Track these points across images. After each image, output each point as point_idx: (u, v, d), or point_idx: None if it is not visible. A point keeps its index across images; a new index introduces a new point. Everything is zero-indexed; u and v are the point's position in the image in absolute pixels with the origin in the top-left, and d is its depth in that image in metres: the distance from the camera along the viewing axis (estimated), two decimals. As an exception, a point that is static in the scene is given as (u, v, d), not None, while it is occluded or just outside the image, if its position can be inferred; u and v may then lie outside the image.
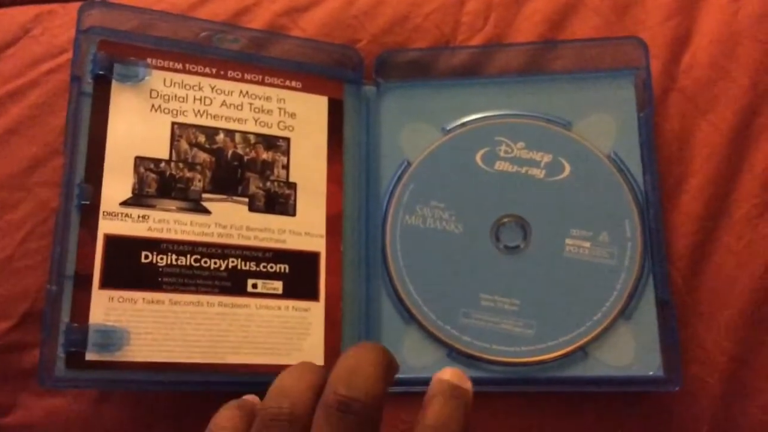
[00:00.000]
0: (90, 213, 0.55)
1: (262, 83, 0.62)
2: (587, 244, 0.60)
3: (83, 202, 0.55)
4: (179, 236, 0.57)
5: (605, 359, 0.58)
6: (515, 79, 0.65)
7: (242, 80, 0.62)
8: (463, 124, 0.64)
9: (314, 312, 0.59)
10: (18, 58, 0.66)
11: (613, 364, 0.58)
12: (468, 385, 0.49)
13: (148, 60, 0.59)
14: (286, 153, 0.62)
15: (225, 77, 0.61)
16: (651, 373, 0.57)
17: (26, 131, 0.63)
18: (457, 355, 0.59)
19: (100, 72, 0.58)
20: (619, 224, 0.60)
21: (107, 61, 0.58)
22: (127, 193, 0.57)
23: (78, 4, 0.63)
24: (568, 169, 0.62)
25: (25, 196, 0.62)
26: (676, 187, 0.63)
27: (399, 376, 0.58)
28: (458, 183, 0.63)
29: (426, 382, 0.58)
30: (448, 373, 0.48)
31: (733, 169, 0.63)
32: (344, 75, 0.65)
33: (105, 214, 0.56)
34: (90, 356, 0.53)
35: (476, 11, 0.69)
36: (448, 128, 0.64)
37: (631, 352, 0.58)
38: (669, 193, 0.63)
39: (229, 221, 0.59)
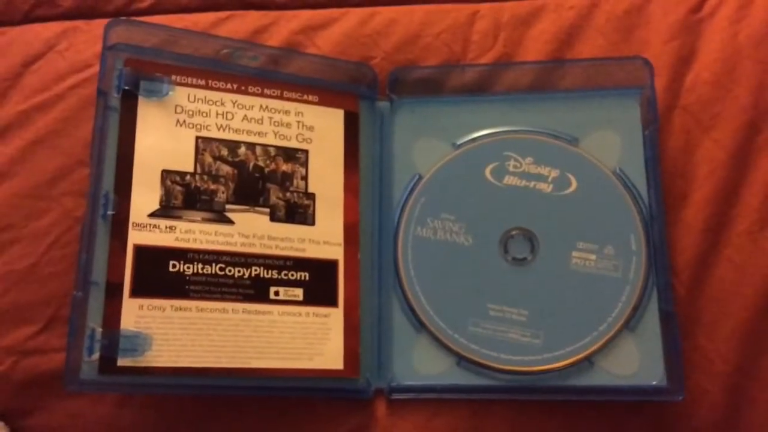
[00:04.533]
0: (120, 224, 0.57)
1: (280, 98, 0.64)
2: (593, 257, 0.62)
3: (110, 212, 0.57)
4: (205, 246, 0.59)
5: (610, 369, 0.60)
6: (524, 96, 0.67)
7: (262, 95, 0.64)
8: (473, 140, 0.65)
9: (334, 317, 0.61)
10: (44, 72, 0.68)
11: (618, 374, 0.60)
12: None
13: (173, 77, 0.61)
14: (305, 164, 0.63)
15: (246, 92, 0.63)
16: (655, 382, 0.59)
17: (51, 143, 0.65)
18: (466, 363, 0.61)
19: (126, 87, 0.59)
20: (624, 238, 0.62)
21: (133, 78, 0.60)
22: (155, 205, 0.58)
23: (102, 21, 0.66)
24: (574, 183, 0.63)
25: (51, 205, 0.64)
26: (680, 201, 0.64)
27: (409, 383, 0.60)
28: (468, 196, 0.64)
29: (435, 389, 0.60)
30: None
31: (735, 185, 0.64)
32: (359, 90, 0.67)
33: (134, 225, 0.57)
34: (122, 362, 0.55)
35: (485, 31, 0.70)
36: (458, 143, 0.65)
37: (635, 362, 0.60)
38: (672, 207, 0.64)
39: (252, 231, 0.60)
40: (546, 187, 0.64)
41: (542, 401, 0.61)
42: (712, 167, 0.65)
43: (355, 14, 0.72)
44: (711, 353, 0.62)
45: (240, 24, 0.71)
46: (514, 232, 0.63)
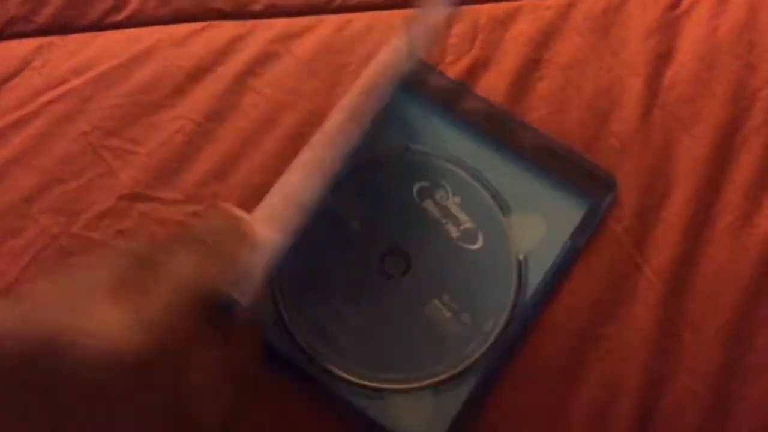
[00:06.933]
0: None
1: None
2: (448, 314, 0.58)
3: None
4: None
5: (392, 414, 0.56)
6: (495, 142, 0.63)
7: None
8: (425, 153, 0.62)
9: None
10: (19, 89, 0.69)
11: (396, 421, 0.56)
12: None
13: None
14: None
15: None
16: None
17: (28, 161, 0.67)
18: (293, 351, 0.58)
19: None
20: (483, 317, 0.58)
21: None
22: None
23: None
24: (479, 244, 0.60)
25: (28, 223, 0.65)
26: (661, 199, 0.63)
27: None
28: (382, 197, 0.62)
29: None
30: None
31: (716, 182, 0.64)
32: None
33: None
34: None
35: (463, 33, 0.67)
36: (412, 148, 0.63)
37: (419, 422, 0.56)
38: (654, 204, 0.63)
39: None
40: (454, 232, 0.59)
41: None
42: (692, 165, 0.64)
43: (332, 21, 0.69)
44: (696, 353, 0.59)
45: (216, 34, 0.68)
46: (398, 253, 0.60)
